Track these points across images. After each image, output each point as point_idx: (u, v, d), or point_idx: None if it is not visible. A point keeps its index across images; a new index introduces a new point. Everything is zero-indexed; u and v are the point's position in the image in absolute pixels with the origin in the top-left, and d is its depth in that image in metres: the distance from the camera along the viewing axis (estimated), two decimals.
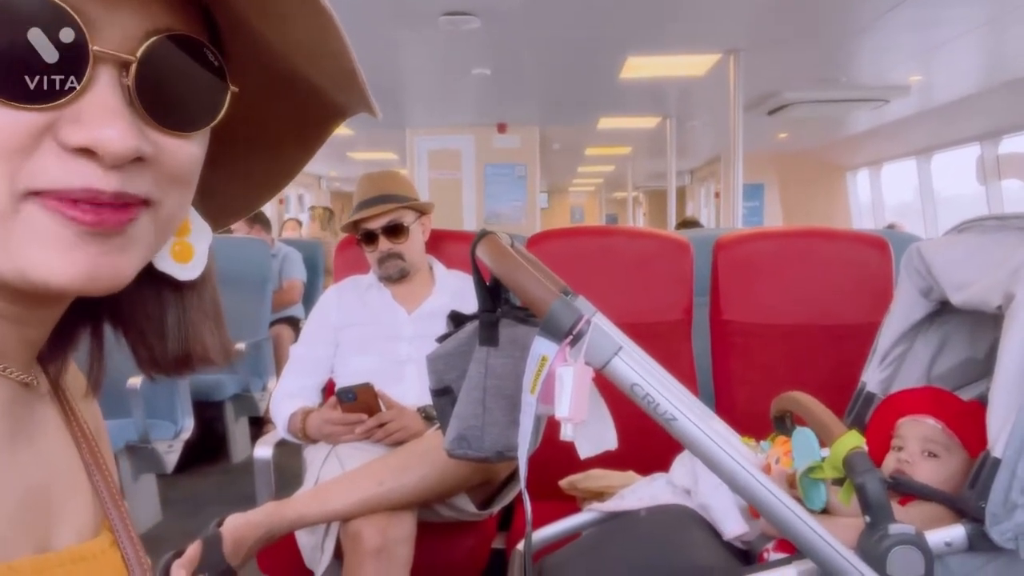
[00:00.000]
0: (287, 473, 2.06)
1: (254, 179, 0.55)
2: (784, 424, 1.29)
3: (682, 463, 1.36)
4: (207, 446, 3.55)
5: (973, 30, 3.99)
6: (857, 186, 9.02)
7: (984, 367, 1.33)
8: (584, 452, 1.00)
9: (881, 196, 8.45)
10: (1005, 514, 0.99)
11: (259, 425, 3.97)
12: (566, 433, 0.90)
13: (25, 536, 0.43)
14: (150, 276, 0.48)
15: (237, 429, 3.82)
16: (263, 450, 1.87)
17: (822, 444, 1.13)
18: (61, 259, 0.38)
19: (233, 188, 0.54)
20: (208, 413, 3.51)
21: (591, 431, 1.00)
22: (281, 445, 1.92)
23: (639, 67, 4.82)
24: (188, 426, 2.98)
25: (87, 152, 0.37)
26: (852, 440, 1.02)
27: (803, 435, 1.14)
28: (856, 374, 1.53)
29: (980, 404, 1.22)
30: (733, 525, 1.20)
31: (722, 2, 3.59)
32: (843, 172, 9.07)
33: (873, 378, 1.42)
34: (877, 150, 8.01)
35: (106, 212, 0.38)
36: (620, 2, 3.53)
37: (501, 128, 7.04)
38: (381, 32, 3.95)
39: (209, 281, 0.53)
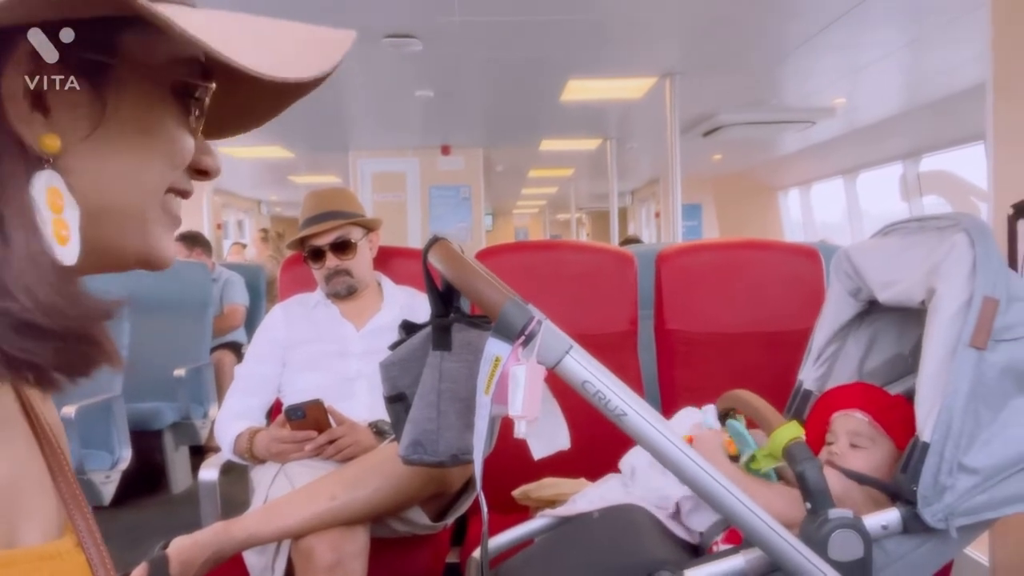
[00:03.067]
0: (232, 500, 2.00)
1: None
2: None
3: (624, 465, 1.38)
4: (146, 477, 3.43)
5: (893, 53, 4.23)
6: (788, 205, 9.38)
7: (911, 363, 1.41)
8: (537, 452, 1.01)
9: (811, 214, 8.80)
10: (935, 496, 1.04)
11: (200, 454, 3.85)
12: (519, 431, 0.92)
13: None
14: None
15: (177, 458, 3.70)
16: (208, 472, 1.82)
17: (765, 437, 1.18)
18: (172, 243, 0.53)
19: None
20: (146, 442, 3.40)
21: (544, 431, 1.01)
22: (225, 472, 1.86)
23: (580, 90, 4.93)
24: (126, 456, 2.89)
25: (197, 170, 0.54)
26: (791, 431, 1.07)
27: (733, 428, 1.19)
28: (793, 376, 1.59)
29: (905, 398, 1.29)
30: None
31: (658, 27, 3.72)
32: (775, 192, 9.42)
33: (809, 376, 1.49)
34: (806, 170, 8.35)
35: None
36: (559, 26, 3.62)
37: (445, 150, 7.09)
38: None
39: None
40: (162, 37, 0.45)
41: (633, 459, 1.32)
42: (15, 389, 0.51)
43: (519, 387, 0.91)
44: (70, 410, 2.49)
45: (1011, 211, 1.62)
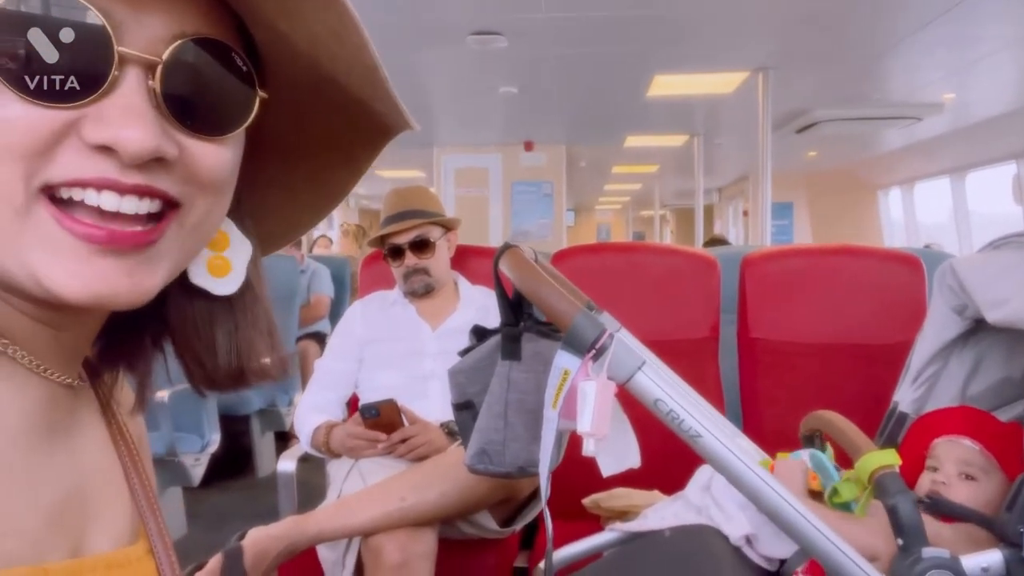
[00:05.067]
0: (310, 488, 2.06)
1: (302, 202, 0.55)
2: (813, 443, 1.26)
3: (697, 481, 1.33)
4: (232, 460, 3.57)
5: (1008, 47, 3.93)
6: (889, 205, 8.90)
7: (1022, 387, 1.29)
8: (607, 469, 0.98)
9: (914, 216, 8.31)
10: None
11: (285, 440, 3.99)
12: (588, 448, 0.89)
13: (60, 538, 0.43)
14: (199, 291, 0.48)
15: (263, 443, 3.85)
16: (287, 463, 1.87)
17: (851, 464, 1.10)
18: (72, 272, 0.38)
19: (282, 211, 0.55)
20: (234, 427, 3.54)
21: (614, 448, 0.98)
22: (305, 460, 1.92)
23: (666, 85, 4.81)
24: (215, 440, 3.01)
25: (108, 150, 0.37)
26: (883, 458, 0.99)
27: (817, 460, 1.11)
28: (887, 394, 1.49)
29: (1020, 425, 1.18)
30: (737, 526, 1.16)
31: (750, 19, 3.58)
32: (874, 191, 8.95)
33: (906, 398, 1.39)
34: (909, 168, 7.89)
35: (124, 234, 0.38)
36: (646, 21, 3.54)
37: (528, 146, 7.07)
38: (409, 52, 4.00)
39: (261, 296, 0.53)
40: None
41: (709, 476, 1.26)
42: (102, 398, 0.52)
43: (588, 403, 0.88)
44: (163, 395, 2.61)
45: None
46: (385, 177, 9.68)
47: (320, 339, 4.37)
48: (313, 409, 1.90)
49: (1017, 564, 0.96)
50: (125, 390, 0.55)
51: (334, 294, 4.52)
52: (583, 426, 0.87)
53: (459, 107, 5.69)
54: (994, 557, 0.98)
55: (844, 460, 1.18)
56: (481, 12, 3.43)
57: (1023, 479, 1.00)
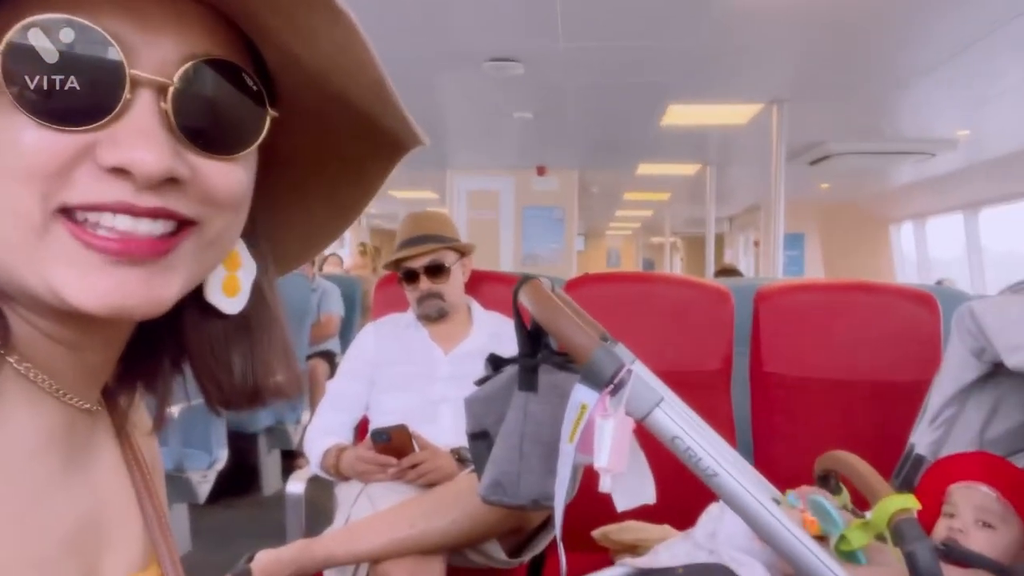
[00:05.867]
0: (318, 508, 2.05)
1: (316, 220, 0.55)
2: (828, 483, 1.25)
3: (703, 526, 1.31)
4: (238, 477, 3.56)
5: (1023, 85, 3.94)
6: (901, 239, 8.88)
7: None
8: (621, 505, 0.97)
9: (926, 251, 8.29)
10: None
11: (291, 458, 3.98)
12: (605, 485, 0.89)
13: (75, 565, 0.43)
14: (216, 312, 0.48)
15: (269, 461, 3.84)
16: (295, 486, 1.87)
17: (869, 507, 1.09)
18: (90, 282, 0.38)
19: (297, 230, 0.55)
20: (241, 444, 3.53)
21: (629, 483, 0.97)
22: (313, 480, 1.91)
23: (681, 115, 4.84)
24: (222, 457, 2.99)
25: (123, 172, 0.37)
26: (901, 502, 0.98)
27: (817, 505, 1.09)
28: (900, 433, 1.48)
29: None
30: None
31: (766, 52, 3.61)
32: (887, 224, 8.94)
33: (922, 440, 1.38)
34: (922, 203, 7.89)
35: (139, 243, 0.39)
36: (663, 52, 3.57)
37: (540, 171, 7.11)
38: (427, 75, 4.04)
39: (276, 315, 0.53)
40: None
41: (718, 519, 1.24)
42: (118, 421, 0.53)
43: (606, 438, 0.88)
44: (173, 410, 2.61)
45: None
46: (398, 197, 9.73)
47: (329, 357, 4.38)
48: (323, 432, 1.89)
49: None
50: (140, 412, 0.55)
51: (344, 313, 4.53)
52: (601, 462, 0.87)
53: (473, 130, 5.74)
54: None
55: (860, 502, 1.17)
56: (499, 39, 3.47)
57: None
